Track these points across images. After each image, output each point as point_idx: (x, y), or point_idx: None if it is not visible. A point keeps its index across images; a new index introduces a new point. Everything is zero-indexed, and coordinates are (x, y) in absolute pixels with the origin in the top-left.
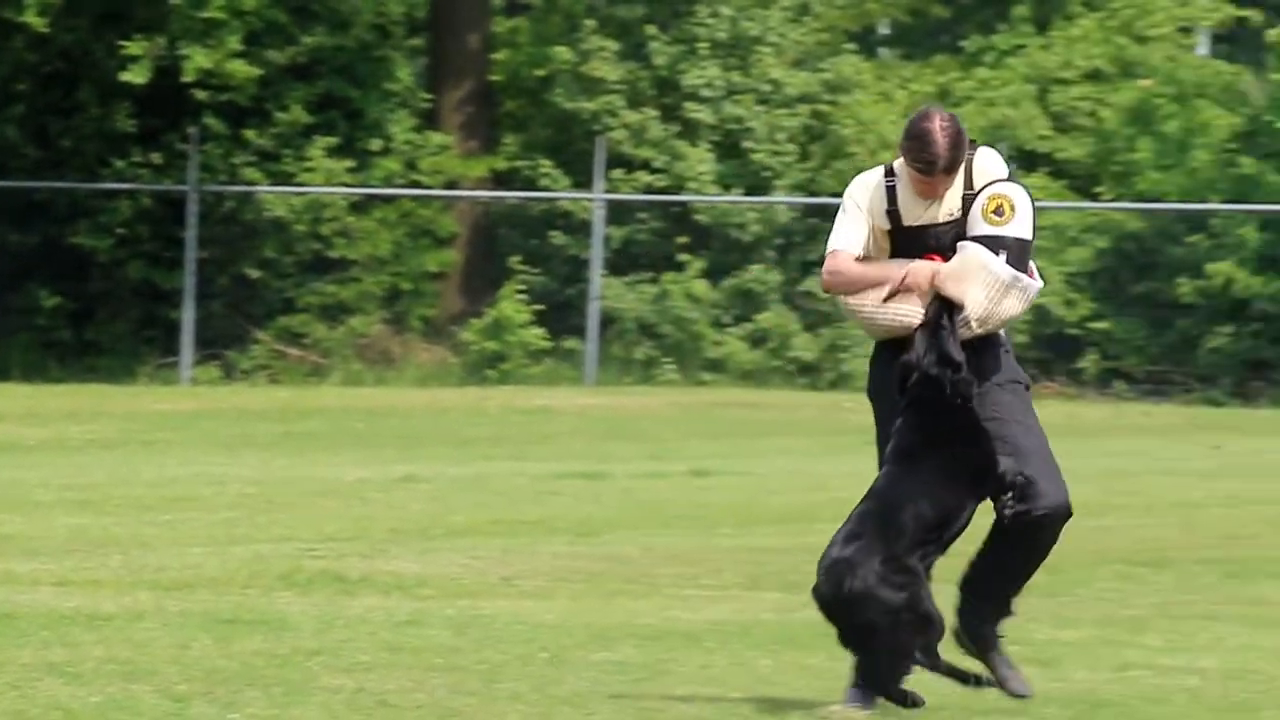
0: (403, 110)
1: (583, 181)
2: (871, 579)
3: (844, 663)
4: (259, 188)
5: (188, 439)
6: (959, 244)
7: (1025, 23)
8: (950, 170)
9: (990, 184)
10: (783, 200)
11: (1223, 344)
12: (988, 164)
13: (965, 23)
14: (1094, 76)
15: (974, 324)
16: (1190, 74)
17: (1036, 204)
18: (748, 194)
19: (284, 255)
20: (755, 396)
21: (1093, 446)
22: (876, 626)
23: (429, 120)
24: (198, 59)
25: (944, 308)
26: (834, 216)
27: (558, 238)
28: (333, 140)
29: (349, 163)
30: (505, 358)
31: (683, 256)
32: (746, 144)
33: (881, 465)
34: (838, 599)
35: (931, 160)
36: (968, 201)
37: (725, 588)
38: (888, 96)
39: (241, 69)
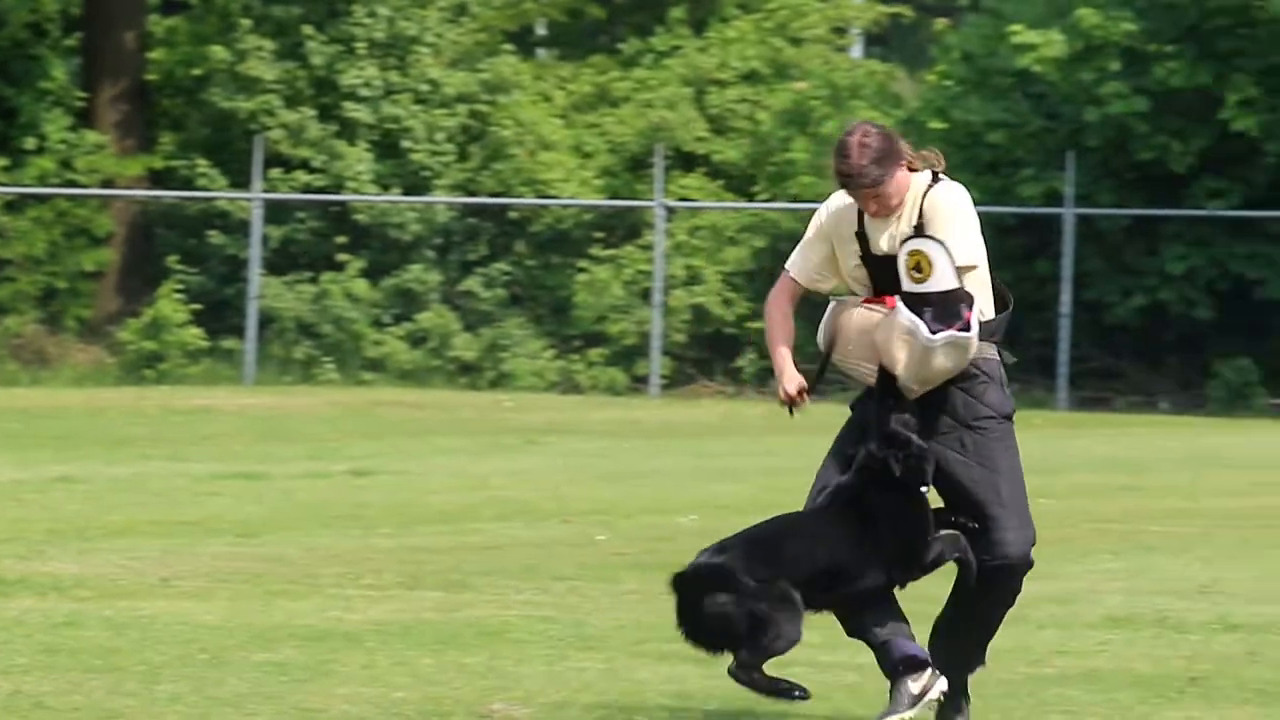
0: (58, 109)
1: (241, 181)
2: (730, 577)
3: (506, 660)
4: None
5: None
6: (896, 303)
7: (681, 24)
8: (873, 186)
9: (910, 238)
10: (442, 200)
11: None
12: (940, 199)
13: (622, 24)
14: (750, 78)
15: (914, 386)
16: (844, 76)
17: (967, 217)
18: (406, 194)
19: None
20: (415, 396)
21: (751, 445)
22: (729, 617)
23: (84, 119)
24: None
25: (885, 376)
26: (494, 216)
27: (216, 237)
28: None
29: (3, 161)
30: (163, 357)
31: (342, 256)
32: (405, 144)
33: (815, 489)
34: (690, 582)
35: (846, 174)
36: (919, 233)
37: (386, 588)
38: (546, 96)
39: None
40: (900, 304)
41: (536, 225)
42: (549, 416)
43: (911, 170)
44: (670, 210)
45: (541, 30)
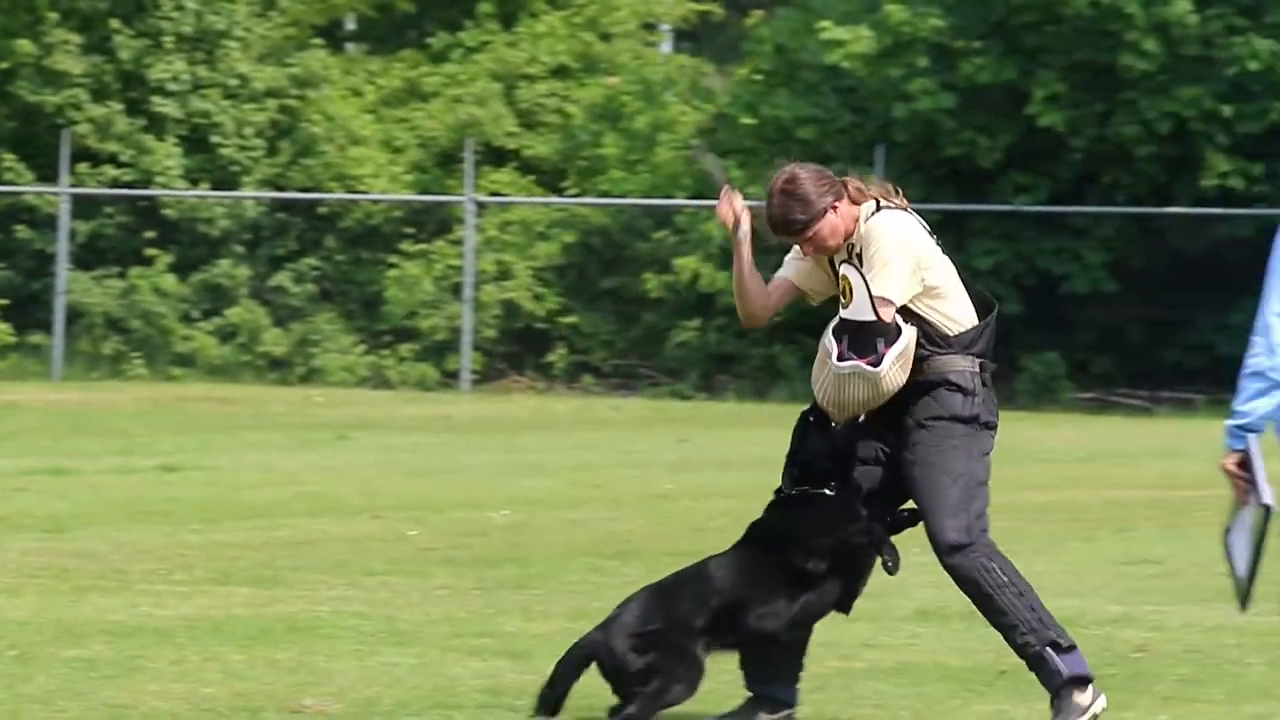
0: None
1: (48, 175)
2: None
3: (317, 655)
4: None
5: None
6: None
7: (491, 19)
8: (801, 232)
9: (844, 262)
10: (251, 195)
11: (689, 338)
12: (872, 229)
13: (431, 18)
14: (560, 73)
15: (831, 410)
16: (657, 70)
17: (893, 248)
18: (215, 189)
19: None
20: (225, 391)
21: (562, 440)
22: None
23: None
24: None
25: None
26: (304, 211)
27: (22, 232)
28: None
29: None
30: None
31: (150, 251)
32: (214, 138)
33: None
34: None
35: (772, 221)
36: (852, 260)
37: (196, 583)
38: (356, 91)
39: None
40: (830, 327)
41: (346, 220)
42: (359, 412)
43: (856, 203)
44: (480, 205)
45: (351, 25)
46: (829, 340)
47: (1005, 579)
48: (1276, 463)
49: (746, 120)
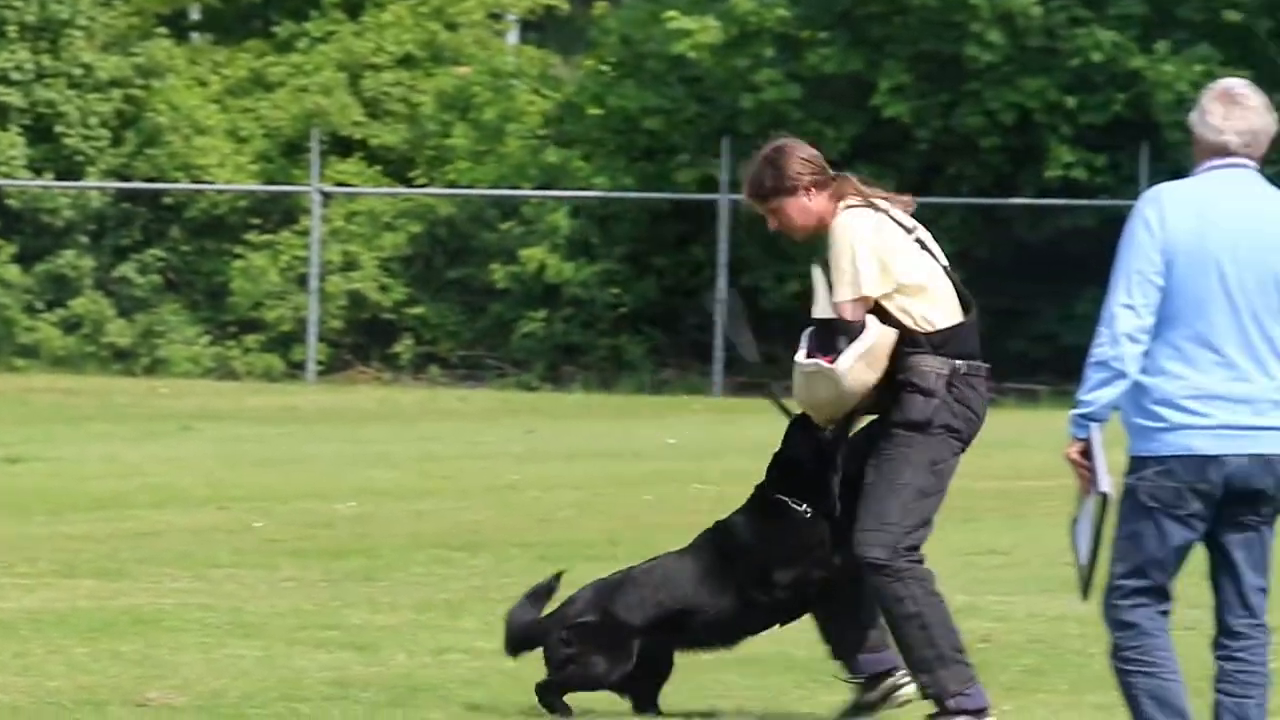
0: None
1: None
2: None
3: (162, 648)
4: None
5: None
6: None
7: (336, 8)
8: (760, 200)
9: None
10: (95, 185)
11: (535, 329)
12: (833, 228)
13: (277, 7)
14: (406, 62)
15: (810, 412)
16: (506, 61)
17: (850, 247)
18: (59, 179)
19: None
20: (69, 382)
21: (408, 431)
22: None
23: None
24: None
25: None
26: (149, 202)
27: None
28: None
29: None
30: None
31: None
32: (58, 128)
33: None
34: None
35: (745, 177)
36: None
37: (40, 575)
38: (201, 81)
39: None
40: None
41: (192, 211)
42: (204, 402)
43: (838, 198)
44: (326, 196)
45: (195, 14)
46: (802, 340)
47: (913, 611)
48: (1119, 452)
49: (593, 110)
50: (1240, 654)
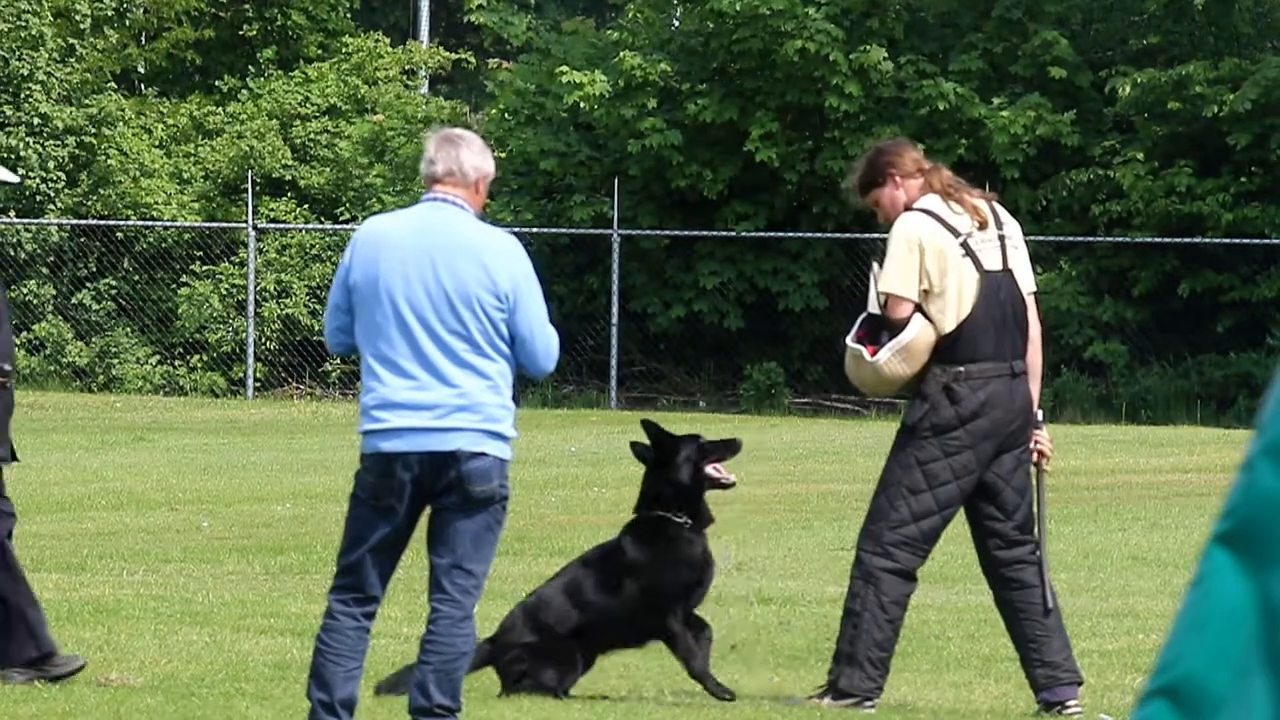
0: None
1: None
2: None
3: (120, 634)
4: None
5: None
6: None
7: (271, 64)
8: (860, 190)
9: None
10: (54, 222)
11: None
12: (894, 227)
13: (217, 63)
14: (331, 112)
15: (860, 387)
16: (417, 110)
17: (896, 247)
18: (21, 216)
19: None
20: (33, 398)
21: (338, 440)
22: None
23: None
24: None
25: None
26: (103, 236)
27: None
28: None
29: None
30: None
31: None
32: (20, 171)
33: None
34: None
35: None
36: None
37: None
38: (148, 129)
39: None
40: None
41: (141, 245)
42: (155, 416)
43: (927, 189)
44: (261, 231)
45: (143, 69)
46: (858, 320)
47: (857, 609)
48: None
49: (497, 154)
50: (433, 626)
